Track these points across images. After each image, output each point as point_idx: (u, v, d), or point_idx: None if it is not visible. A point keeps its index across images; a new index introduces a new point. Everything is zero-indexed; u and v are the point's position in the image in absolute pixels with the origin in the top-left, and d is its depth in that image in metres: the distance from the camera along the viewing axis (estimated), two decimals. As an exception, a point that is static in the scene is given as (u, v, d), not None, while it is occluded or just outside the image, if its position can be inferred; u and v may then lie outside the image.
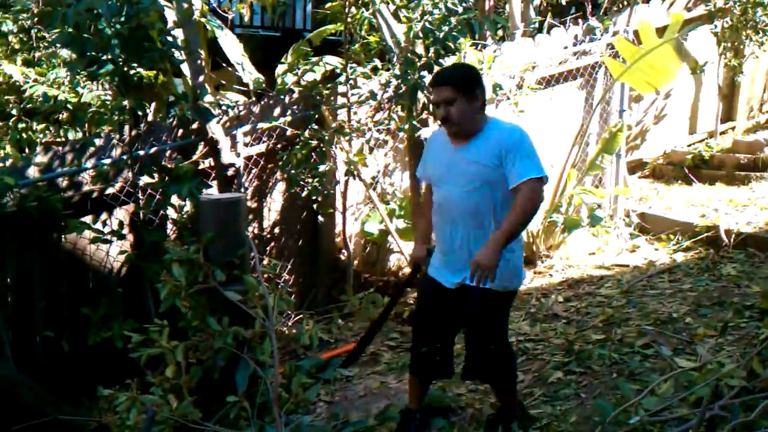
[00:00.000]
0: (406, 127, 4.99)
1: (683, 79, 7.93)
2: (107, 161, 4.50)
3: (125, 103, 4.27)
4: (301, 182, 5.24)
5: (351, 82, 5.36)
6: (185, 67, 5.11)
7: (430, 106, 4.89)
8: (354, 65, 5.47)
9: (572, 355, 4.16)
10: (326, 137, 5.19)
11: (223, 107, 5.35)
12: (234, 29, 8.12)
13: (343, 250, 5.57)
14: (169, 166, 4.46)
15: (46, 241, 4.30)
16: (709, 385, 3.18)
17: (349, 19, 5.49)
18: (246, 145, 5.12)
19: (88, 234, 4.32)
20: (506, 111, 5.66)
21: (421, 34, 4.87)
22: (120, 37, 3.97)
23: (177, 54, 4.51)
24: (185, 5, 4.80)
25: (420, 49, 4.93)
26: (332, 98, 5.43)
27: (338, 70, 5.97)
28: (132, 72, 4.15)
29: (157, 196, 4.40)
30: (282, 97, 5.45)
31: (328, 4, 5.84)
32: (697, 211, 6.74)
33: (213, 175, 4.88)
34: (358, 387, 4.17)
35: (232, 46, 6.89)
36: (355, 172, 5.27)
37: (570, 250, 6.30)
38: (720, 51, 8.32)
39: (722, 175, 7.75)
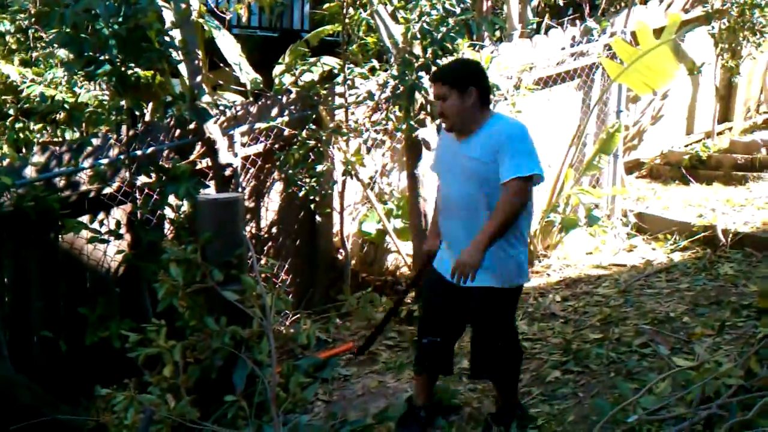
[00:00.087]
0: (404, 127, 5.00)
1: (680, 80, 7.94)
2: (104, 161, 4.50)
3: (122, 103, 4.27)
4: (299, 182, 5.24)
5: (349, 82, 5.36)
6: (183, 68, 5.11)
7: (428, 107, 4.90)
8: (352, 66, 5.48)
9: (570, 355, 4.16)
10: (324, 137, 5.20)
11: (221, 107, 5.35)
12: (231, 29, 8.12)
13: (341, 250, 5.57)
14: (166, 166, 4.46)
15: (43, 240, 4.30)
16: (706, 385, 3.18)
17: (346, 20, 5.49)
18: (243, 145, 5.12)
19: (85, 234, 4.32)
20: (504, 112, 5.66)
21: (418, 35, 4.87)
22: (117, 37, 3.97)
23: (174, 54, 4.50)
24: (183, 6, 4.80)
25: (418, 49, 4.93)
26: (330, 98, 5.44)
27: (336, 71, 5.97)
28: (129, 72, 4.15)
29: (155, 196, 4.40)
30: (279, 97, 5.45)
31: (326, 5, 5.85)
32: (694, 211, 6.75)
33: (210, 175, 4.88)
34: (356, 386, 4.17)
35: (229, 46, 6.88)
36: (353, 172, 5.28)
37: (567, 249, 6.30)
38: (717, 52, 8.33)
39: (719, 175, 7.76)
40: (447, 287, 3.22)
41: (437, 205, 3.43)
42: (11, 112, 6.38)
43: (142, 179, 4.45)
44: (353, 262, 5.69)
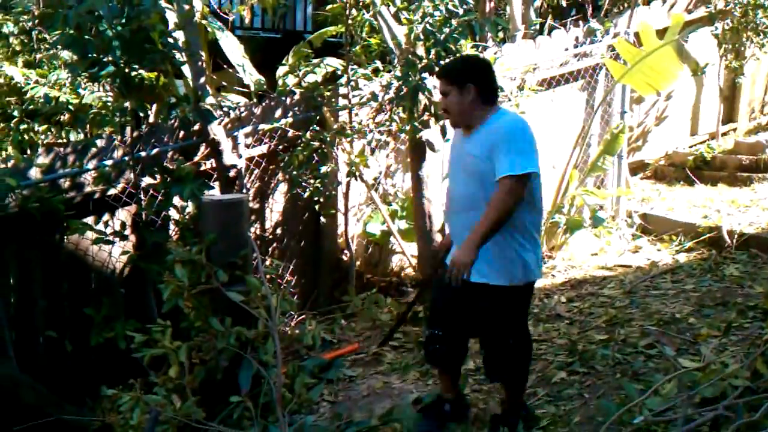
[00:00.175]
0: (408, 128, 4.99)
1: (684, 80, 7.92)
2: (109, 162, 4.49)
3: (126, 104, 4.26)
4: (303, 183, 5.25)
5: (352, 83, 5.36)
6: (186, 69, 5.10)
7: (432, 108, 4.89)
8: (355, 67, 5.47)
9: (575, 356, 4.16)
10: (328, 138, 5.19)
11: (225, 109, 5.35)
12: (235, 31, 8.12)
13: (345, 251, 5.57)
14: (170, 167, 4.46)
15: (48, 242, 4.30)
16: (712, 386, 3.18)
17: (349, 21, 5.49)
18: (247, 146, 5.12)
19: (90, 235, 4.32)
20: (508, 112, 5.66)
21: (422, 36, 4.87)
22: (121, 38, 3.96)
23: (178, 56, 4.50)
24: (186, 7, 4.80)
25: (421, 50, 4.93)
26: (333, 100, 5.44)
27: (339, 72, 5.97)
28: (133, 73, 4.14)
29: (159, 197, 4.39)
30: (283, 98, 5.45)
31: (329, 6, 5.83)
32: (699, 212, 6.74)
33: (215, 176, 4.88)
34: (361, 387, 4.17)
35: (232, 47, 6.88)
36: (357, 174, 5.27)
37: (572, 250, 6.29)
38: (721, 53, 8.32)
39: (724, 176, 7.74)
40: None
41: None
42: (15, 113, 6.39)
43: (147, 180, 4.45)
44: (358, 263, 5.68)
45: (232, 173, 4.80)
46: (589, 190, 6.55)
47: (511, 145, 2.99)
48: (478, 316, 3.25)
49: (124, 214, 4.60)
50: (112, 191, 4.52)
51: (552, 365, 4.11)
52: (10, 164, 4.34)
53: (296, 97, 5.48)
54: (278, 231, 5.51)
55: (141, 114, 4.35)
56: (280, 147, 5.30)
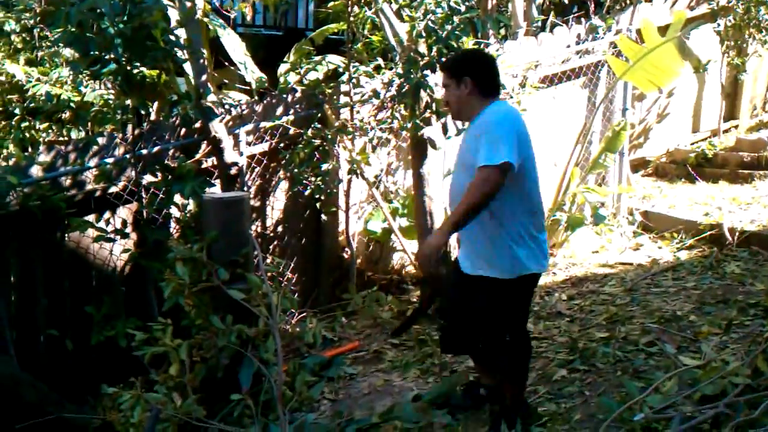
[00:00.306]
0: (409, 125, 4.99)
1: (686, 77, 7.89)
2: (110, 160, 4.49)
3: (128, 102, 4.27)
4: (304, 181, 5.24)
5: (354, 81, 5.35)
6: (188, 67, 5.10)
7: (433, 105, 4.89)
8: (357, 64, 5.47)
9: (576, 353, 4.15)
10: (329, 136, 5.19)
11: (226, 106, 5.34)
12: (236, 28, 8.12)
13: (347, 249, 5.57)
14: (172, 165, 4.46)
15: (49, 239, 4.30)
16: (714, 383, 3.18)
17: (351, 18, 5.48)
18: (249, 144, 5.12)
19: (91, 233, 4.32)
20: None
21: (423, 33, 4.86)
22: (123, 36, 3.96)
23: (180, 53, 4.50)
24: (188, 4, 4.80)
25: (423, 48, 4.92)
26: (335, 97, 5.43)
27: (341, 69, 5.97)
28: (135, 71, 4.14)
29: (161, 195, 4.40)
30: (284, 96, 5.44)
31: (331, 3, 5.84)
32: (700, 210, 6.73)
33: (216, 174, 4.87)
34: (362, 385, 4.17)
35: (234, 45, 6.87)
36: (358, 171, 5.27)
37: (573, 248, 6.30)
38: (723, 50, 8.30)
39: (725, 173, 7.73)
40: (460, 276, 3.31)
41: None
42: (17, 111, 6.40)
43: (148, 178, 4.45)
44: (359, 260, 5.68)
45: (233, 171, 4.80)
46: (591, 187, 6.54)
47: (489, 136, 3.00)
48: (473, 308, 3.29)
49: (125, 212, 4.60)
50: (113, 189, 4.52)
51: (553, 363, 4.11)
52: (11, 162, 4.35)
53: (298, 94, 5.48)
54: (279, 229, 5.52)
55: (142, 112, 4.36)
56: (282, 145, 5.30)
